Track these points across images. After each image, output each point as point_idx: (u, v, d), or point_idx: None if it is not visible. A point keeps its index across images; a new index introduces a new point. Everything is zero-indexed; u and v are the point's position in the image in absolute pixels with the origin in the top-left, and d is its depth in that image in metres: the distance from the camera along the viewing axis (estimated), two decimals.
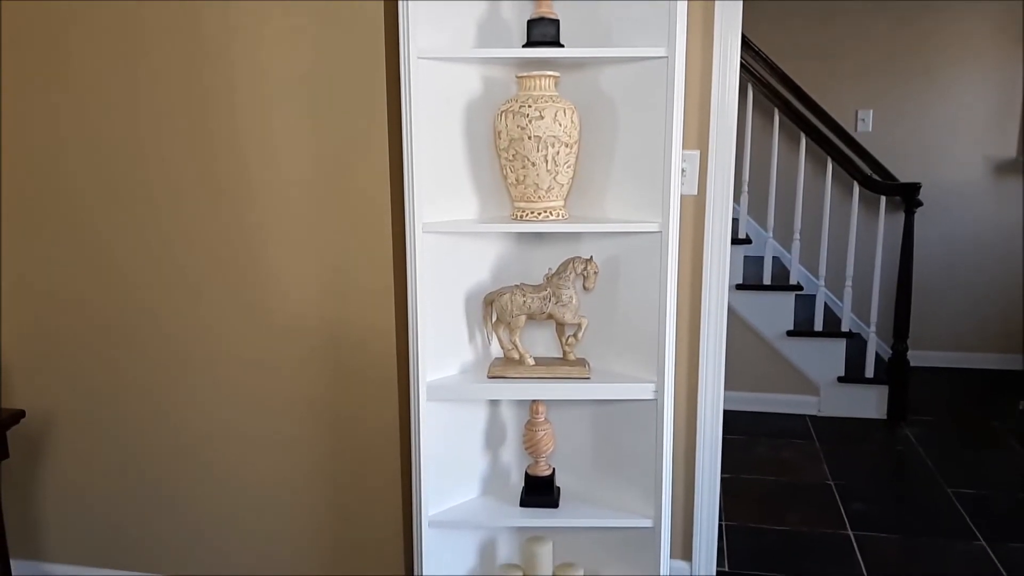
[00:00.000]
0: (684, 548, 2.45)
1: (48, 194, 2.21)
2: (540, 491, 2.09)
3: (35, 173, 2.21)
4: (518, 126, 1.83)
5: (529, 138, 1.83)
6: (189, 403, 2.26)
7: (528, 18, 1.86)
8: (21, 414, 2.15)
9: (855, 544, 2.72)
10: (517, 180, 1.90)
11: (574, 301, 1.98)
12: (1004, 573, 2.53)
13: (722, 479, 2.76)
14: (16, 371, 2.34)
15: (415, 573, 2.09)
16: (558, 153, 1.86)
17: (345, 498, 2.21)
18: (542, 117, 1.82)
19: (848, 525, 2.86)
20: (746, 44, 4.19)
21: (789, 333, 4.01)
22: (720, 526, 2.81)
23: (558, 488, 2.14)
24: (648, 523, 2.04)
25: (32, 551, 2.44)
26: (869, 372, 3.98)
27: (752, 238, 4.24)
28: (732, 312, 3.97)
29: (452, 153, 1.99)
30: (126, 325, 2.25)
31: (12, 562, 2.33)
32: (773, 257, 4.12)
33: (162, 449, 2.30)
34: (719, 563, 2.55)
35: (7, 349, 2.33)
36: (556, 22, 1.85)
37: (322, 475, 2.21)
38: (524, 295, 1.98)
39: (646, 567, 2.09)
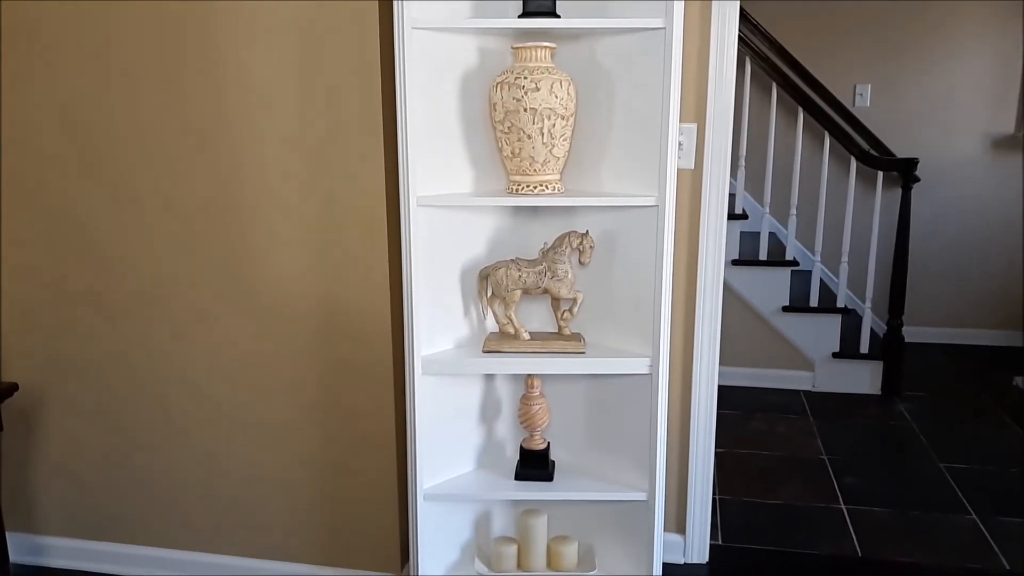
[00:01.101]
0: (678, 521, 2.47)
1: (39, 173, 2.19)
2: (535, 464, 2.10)
3: (25, 151, 2.19)
4: (514, 98, 1.81)
5: (525, 110, 1.81)
6: (181, 379, 2.25)
7: None
8: (14, 387, 2.14)
9: (848, 518, 2.74)
10: (513, 153, 1.88)
11: (570, 276, 1.98)
12: (995, 547, 2.56)
13: (716, 453, 2.77)
14: (9, 346, 2.33)
15: (410, 546, 2.10)
16: (554, 126, 1.84)
17: (340, 472, 2.21)
18: (538, 89, 1.80)
19: (841, 499, 2.88)
20: (744, 17, 4.15)
21: (784, 309, 4.01)
22: (714, 500, 2.83)
23: (553, 462, 2.15)
24: (642, 496, 2.05)
25: (26, 524, 2.44)
26: (864, 348, 3.99)
27: (748, 213, 4.22)
28: (728, 288, 3.97)
29: (447, 126, 1.97)
30: (116, 303, 2.24)
31: (7, 534, 2.33)
32: (769, 233, 4.11)
33: (154, 424, 2.30)
34: (712, 536, 2.57)
35: (1, 324, 2.32)
36: None
37: (316, 449, 2.21)
38: (519, 269, 1.97)
39: (640, 540, 2.10)
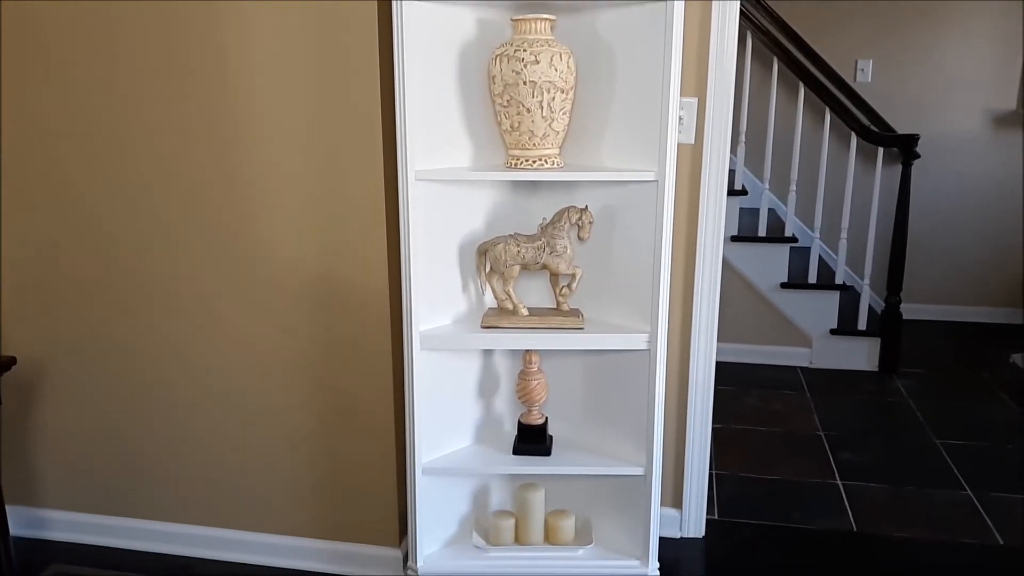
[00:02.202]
0: (675, 496, 2.48)
1: (38, 151, 2.17)
2: (533, 439, 2.11)
3: (27, 133, 2.17)
4: (513, 71, 1.80)
5: (524, 83, 1.79)
6: (179, 355, 2.25)
7: None
8: (12, 361, 2.14)
9: (844, 493, 2.76)
10: (512, 127, 1.87)
11: (568, 251, 1.97)
12: (989, 522, 2.58)
13: (713, 429, 2.78)
14: (7, 320, 2.33)
15: (409, 519, 2.11)
16: (554, 99, 1.82)
17: (339, 446, 2.22)
18: (537, 62, 1.79)
19: (837, 475, 2.89)
20: None
21: (783, 285, 4.01)
22: (710, 475, 2.84)
23: (551, 436, 2.16)
24: (639, 471, 2.06)
25: (26, 497, 2.45)
26: (862, 324, 4.00)
27: (748, 189, 4.21)
28: (726, 264, 3.97)
29: (445, 99, 1.95)
30: (114, 277, 2.23)
31: (7, 507, 2.34)
32: (768, 209, 4.10)
33: (153, 398, 2.30)
34: (709, 511, 2.58)
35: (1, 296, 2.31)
36: None
37: (315, 423, 2.22)
38: (518, 245, 1.96)
39: (637, 514, 2.12)
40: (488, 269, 2.02)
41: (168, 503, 2.37)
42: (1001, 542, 2.47)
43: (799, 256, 4.18)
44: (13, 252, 2.28)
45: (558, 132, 1.89)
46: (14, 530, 2.42)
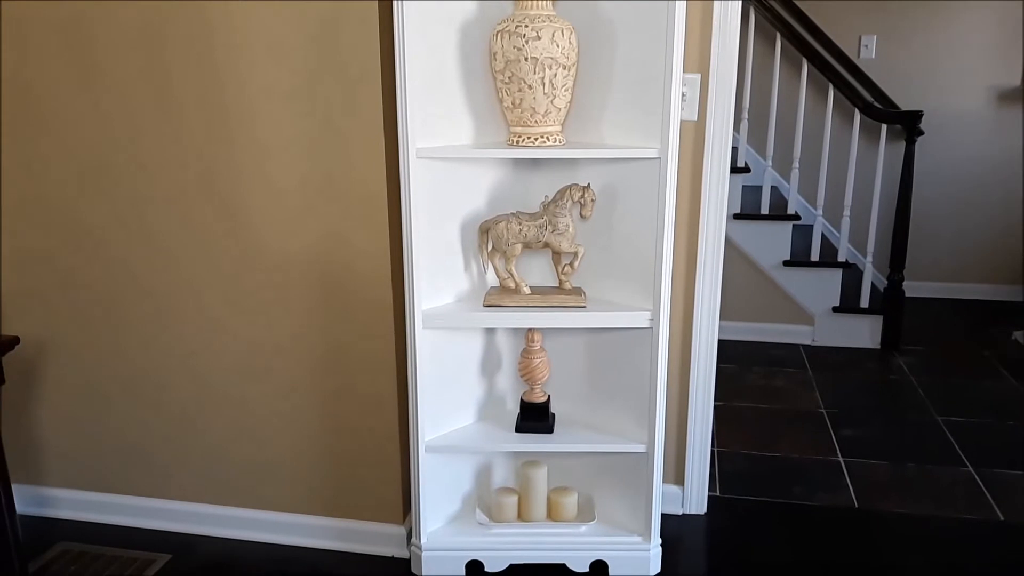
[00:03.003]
0: (676, 473, 2.49)
1: (43, 127, 2.16)
2: (535, 417, 2.11)
3: (31, 110, 2.16)
4: (514, 47, 1.78)
5: (526, 59, 1.78)
6: (182, 335, 2.25)
7: None
8: (15, 341, 2.14)
9: (845, 470, 2.77)
10: (513, 104, 1.85)
11: (571, 229, 1.97)
12: (990, 498, 2.59)
13: (715, 406, 2.79)
14: (10, 299, 2.33)
15: (412, 497, 2.12)
16: (555, 75, 1.81)
17: (343, 425, 2.23)
18: (539, 38, 1.77)
19: (839, 451, 2.90)
20: None
21: (785, 263, 4.00)
22: (712, 452, 2.85)
23: (553, 414, 2.16)
24: (642, 448, 2.07)
25: (31, 476, 2.47)
26: (864, 302, 3.99)
27: (751, 167, 4.19)
28: (728, 242, 3.95)
29: (446, 76, 1.94)
30: (116, 254, 2.22)
31: (13, 486, 2.36)
32: (771, 187, 4.08)
33: (157, 377, 2.31)
34: (710, 487, 2.60)
35: (3, 277, 2.31)
36: None
37: (319, 402, 2.23)
38: (520, 223, 1.96)
39: (639, 491, 2.13)
40: (490, 248, 2.02)
41: (172, 482, 2.39)
42: (1002, 518, 2.48)
43: (802, 234, 4.16)
44: (14, 232, 2.27)
45: (560, 109, 1.88)
46: (20, 509, 2.44)
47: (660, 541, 2.17)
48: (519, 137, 1.89)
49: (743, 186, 4.07)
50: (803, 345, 4.05)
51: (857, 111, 3.85)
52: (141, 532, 2.40)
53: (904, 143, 3.82)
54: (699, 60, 2.19)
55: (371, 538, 2.28)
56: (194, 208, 2.14)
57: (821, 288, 4.01)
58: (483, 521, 2.15)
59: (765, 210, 4.00)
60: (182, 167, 2.12)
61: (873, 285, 4.22)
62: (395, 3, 1.77)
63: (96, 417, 2.38)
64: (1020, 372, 3.68)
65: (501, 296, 2.01)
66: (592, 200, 1.95)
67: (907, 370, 3.71)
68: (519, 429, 2.12)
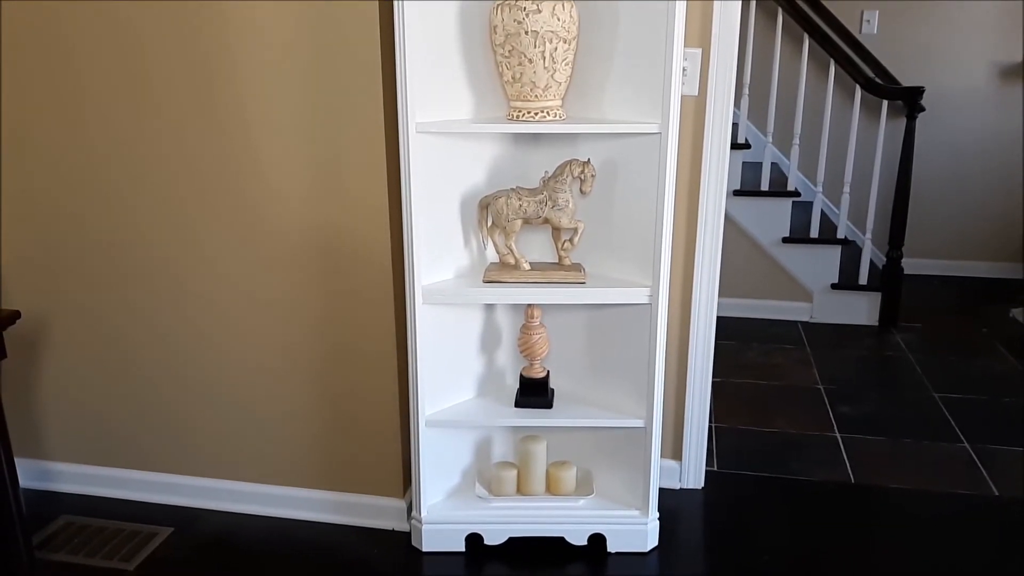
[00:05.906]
0: (674, 448, 2.51)
1: (47, 106, 2.15)
2: (534, 392, 2.12)
3: (35, 85, 2.14)
4: (515, 20, 1.77)
5: (526, 33, 1.77)
6: (182, 308, 2.25)
7: None
8: (17, 315, 2.14)
9: (842, 445, 2.79)
10: (513, 78, 1.85)
11: (570, 205, 1.96)
12: (985, 474, 2.61)
13: (713, 383, 2.79)
14: (11, 274, 2.33)
15: (412, 471, 2.14)
16: (556, 49, 1.80)
17: (343, 399, 2.24)
18: (539, 11, 1.76)
19: (836, 427, 2.92)
20: None
21: (784, 240, 4.00)
22: (710, 427, 2.86)
23: (552, 389, 2.17)
24: (640, 423, 2.08)
25: (34, 450, 2.48)
26: (863, 279, 4.00)
27: (751, 143, 4.17)
28: (728, 218, 3.94)
29: (446, 50, 1.93)
30: (117, 230, 2.22)
31: (16, 460, 2.37)
32: (771, 163, 4.06)
33: (157, 351, 2.31)
34: (708, 463, 2.61)
35: (3, 251, 2.31)
36: None
37: (320, 376, 2.23)
38: (520, 199, 1.96)
39: (637, 465, 2.14)
40: (490, 223, 2.02)
41: (174, 455, 2.40)
42: (996, 493, 2.50)
43: (801, 211, 4.16)
44: (16, 206, 2.27)
45: (560, 83, 1.87)
46: (23, 482, 2.45)
47: (658, 515, 2.19)
48: (519, 112, 1.88)
49: (743, 162, 4.05)
50: (801, 322, 4.06)
51: (858, 87, 3.83)
52: (143, 505, 2.42)
53: (905, 119, 3.81)
54: (700, 34, 2.17)
55: (372, 511, 2.30)
56: (195, 179, 2.14)
57: (820, 265, 4.01)
58: (483, 495, 2.16)
59: (765, 187, 3.99)
60: (179, 139, 2.11)
61: (872, 262, 4.22)
62: None
63: (98, 391, 2.39)
64: (1017, 349, 3.69)
65: (501, 272, 2.02)
66: (592, 176, 1.94)
67: (905, 347, 3.72)
68: (518, 404, 2.13)
